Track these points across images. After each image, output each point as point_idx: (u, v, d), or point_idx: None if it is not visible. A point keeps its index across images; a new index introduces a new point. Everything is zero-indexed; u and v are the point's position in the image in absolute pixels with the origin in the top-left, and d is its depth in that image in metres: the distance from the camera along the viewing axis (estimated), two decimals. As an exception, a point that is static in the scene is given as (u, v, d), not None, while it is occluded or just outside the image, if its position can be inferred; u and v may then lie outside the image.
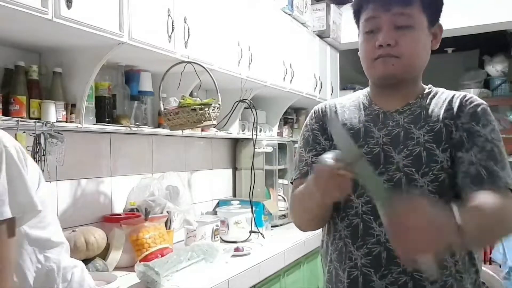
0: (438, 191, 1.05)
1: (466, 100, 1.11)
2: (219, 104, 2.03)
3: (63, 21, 1.41)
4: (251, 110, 2.51)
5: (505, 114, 4.36)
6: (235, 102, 2.45)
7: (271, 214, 2.87)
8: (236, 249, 2.18)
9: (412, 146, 1.08)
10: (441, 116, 1.10)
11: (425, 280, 1.04)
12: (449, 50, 4.97)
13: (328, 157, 0.94)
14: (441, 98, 1.15)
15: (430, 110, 1.12)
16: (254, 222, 2.51)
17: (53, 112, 1.60)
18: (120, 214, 2.07)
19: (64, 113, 1.65)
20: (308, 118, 1.28)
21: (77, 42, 1.64)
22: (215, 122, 2.03)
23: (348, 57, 4.19)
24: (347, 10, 3.77)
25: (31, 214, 1.04)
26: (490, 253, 3.59)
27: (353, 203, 1.11)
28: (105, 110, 1.87)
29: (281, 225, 2.97)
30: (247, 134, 2.84)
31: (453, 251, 1.04)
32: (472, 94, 1.15)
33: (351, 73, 4.51)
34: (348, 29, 3.75)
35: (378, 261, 1.07)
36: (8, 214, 0.96)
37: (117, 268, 1.81)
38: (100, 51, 1.66)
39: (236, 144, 3.10)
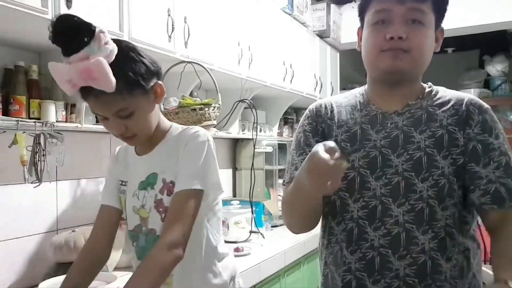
0: (437, 196, 1.04)
1: (473, 105, 1.09)
2: (219, 104, 2.03)
3: (63, 21, 1.40)
4: (251, 110, 2.51)
5: (505, 114, 4.36)
6: (235, 102, 2.45)
7: (271, 214, 2.86)
8: (236, 249, 2.17)
9: (413, 150, 1.06)
10: (444, 122, 1.08)
11: (418, 285, 1.03)
12: (449, 50, 4.98)
13: (322, 148, 0.93)
14: (443, 100, 1.12)
15: (431, 113, 1.09)
16: (254, 222, 2.51)
17: (53, 112, 1.60)
18: (120, 214, 2.07)
19: (64, 113, 1.65)
20: (302, 118, 1.25)
21: (77, 42, 1.64)
22: (215, 122, 2.03)
23: (348, 57, 4.19)
24: (347, 10, 3.77)
25: (217, 192, 1.26)
26: (490, 253, 3.59)
27: (349, 208, 1.10)
28: (105, 110, 1.87)
29: (281, 225, 2.96)
30: (247, 134, 2.84)
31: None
32: (474, 96, 1.13)
33: (351, 73, 4.51)
34: (348, 29, 3.75)
35: (371, 266, 1.06)
36: (198, 186, 1.16)
37: (116, 269, 1.81)
38: (100, 51, 1.66)
39: (236, 144, 3.10)
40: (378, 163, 1.08)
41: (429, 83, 1.18)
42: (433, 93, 1.15)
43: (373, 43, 1.10)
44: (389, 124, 1.11)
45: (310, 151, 1.15)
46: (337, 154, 0.91)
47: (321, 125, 1.19)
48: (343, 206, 1.11)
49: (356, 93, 1.22)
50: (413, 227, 1.04)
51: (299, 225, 1.21)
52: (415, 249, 1.03)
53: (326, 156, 0.91)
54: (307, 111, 1.24)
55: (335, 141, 1.13)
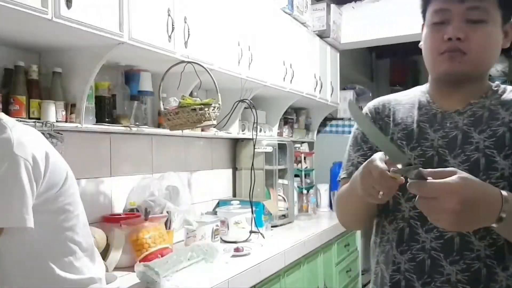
0: None
1: None
2: (219, 104, 2.02)
3: (63, 21, 1.40)
4: (251, 110, 2.51)
5: (505, 114, 4.36)
6: (235, 102, 2.45)
7: (271, 214, 2.87)
8: (236, 249, 2.17)
9: (470, 151, 1.02)
10: (506, 119, 1.03)
11: None
12: (449, 50, 4.97)
13: (381, 158, 0.90)
14: (507, 98, 1.07)
15: (493, 112, 1.05)
16: (254, 222, 2.51)
17: (53, 112, 1.60)
18: (120, 214, 2.07)
19: (64, 113, 1.65)
20: None
21: (77, 42, 1.64)
22: (215, 122, 2.03)
23: (348, 57, 4.19)
24: (347, 10, 3.77)
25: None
26: None
27: (401, 207, 1.08)
28: (105, 110, 1.87)
29: (281, 225, 2.97)
30: (247, 134, 2.84)
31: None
32: None
33: (351, 73, 4.51)
34: (348, 29, 3.75)
35: (421, 268, 1.03)
36: None
37: (117, 268, 1.81)
38: (100, 51, 1.66)
39: (236, 144, 3.10)
40: (434, 163, 1.04)
41: (497, 82, 1.14)
42: (499, 92, 1.10)
43: (430, 45, 1.07)
44: (448, 124, 1.08)
45: (367, 148, 1.15)
46: (396, 166, 0.87)
47: (379, 122, 1.17)
48: (395, 204, 1.09)
49: (417, 91, 1.19)
50: (469, 232, 1.00)
51: (350, 223, 1.26)
52: (470, 255, 1.00)
53: (382, 165, 0.88)
54: (365, 108, 1.22)
55: (391, 139, 1.11)
